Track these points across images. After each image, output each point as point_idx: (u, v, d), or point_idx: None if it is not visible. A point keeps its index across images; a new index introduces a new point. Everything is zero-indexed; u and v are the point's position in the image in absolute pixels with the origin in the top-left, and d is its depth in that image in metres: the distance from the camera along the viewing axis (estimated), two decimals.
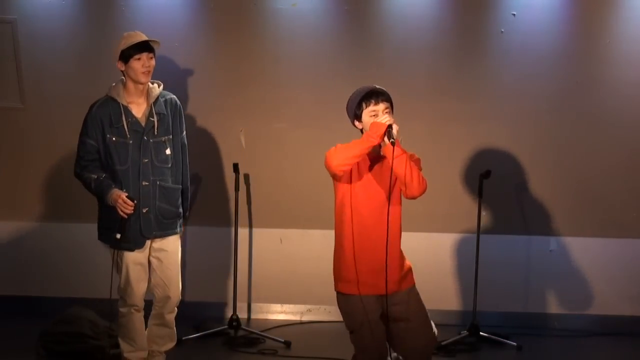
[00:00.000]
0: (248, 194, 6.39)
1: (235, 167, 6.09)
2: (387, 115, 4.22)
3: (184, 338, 5.90)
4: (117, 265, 5.01)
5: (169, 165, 5.03)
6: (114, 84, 5.03)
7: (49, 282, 6.55)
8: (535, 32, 6.10)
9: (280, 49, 6.18)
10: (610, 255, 6.41)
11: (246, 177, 6.37)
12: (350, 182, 4.24)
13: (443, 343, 5.87)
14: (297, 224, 6.47)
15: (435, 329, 4.41)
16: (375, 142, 4.12)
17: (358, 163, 4.21)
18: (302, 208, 6.42)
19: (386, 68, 6.18)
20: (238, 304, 6.19)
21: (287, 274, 6.54)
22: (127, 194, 4.85)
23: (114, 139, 4.92)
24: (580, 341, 6.24)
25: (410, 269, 4.38)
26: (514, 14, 6.08)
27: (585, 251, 6.42)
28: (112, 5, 6.12)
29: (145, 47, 4.90)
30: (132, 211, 4.84)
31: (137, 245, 4.98)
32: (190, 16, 6.15)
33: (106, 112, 4.93)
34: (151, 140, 4.95)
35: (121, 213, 4.83)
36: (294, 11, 6.10)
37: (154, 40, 4.96)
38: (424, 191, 4.23)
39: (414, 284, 4.39)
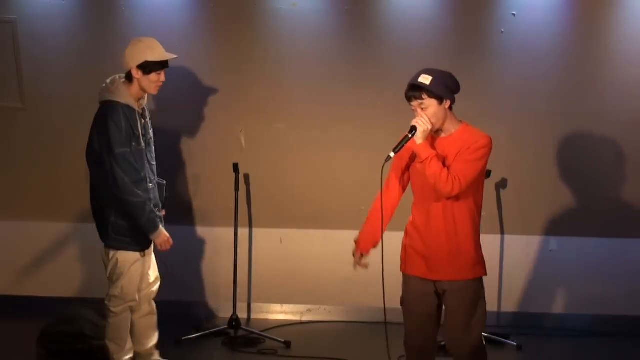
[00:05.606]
0: (248, 194, 6.39)
1: (235, 167, 6.09)
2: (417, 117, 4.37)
3: (184, 338, 5.92)
4: (118, 268, 4.95)
5: (155, 163, 5.08)
6: (109, 86, 4.87)
7: (49, 282, 6.55)
8: (535, 32, 6.09)
9: (280, 49, 6.18)
10: (610, 255, 6.41)
11: (246, 177, 6.36)
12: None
13: (442, 343, 5.87)
14: (297, 224, 6.47)
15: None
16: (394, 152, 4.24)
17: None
18: (302, 208, 6.42)
19: (386, 68, 6.18)
20: (238, 304, 6.19)
21: (287, 274, 6.53)
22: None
23: (137, 147, 4.85)
24: (580, 341, 6.24)
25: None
26: (514, 14, 6.08)
27: (585, 251, 6.42)
28: (112, 5, 6.12)
29: (167, 62, 4.93)
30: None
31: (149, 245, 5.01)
32: (190, 16, 6.15)
33: (127, 122, 4.78)
34: (149, 142, 4.99)
35: (160, 248, 4.92)
36: (294, 11, 6.10)
37: (174, 57, 4.98)
38: (450, 191, 4.18)
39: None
